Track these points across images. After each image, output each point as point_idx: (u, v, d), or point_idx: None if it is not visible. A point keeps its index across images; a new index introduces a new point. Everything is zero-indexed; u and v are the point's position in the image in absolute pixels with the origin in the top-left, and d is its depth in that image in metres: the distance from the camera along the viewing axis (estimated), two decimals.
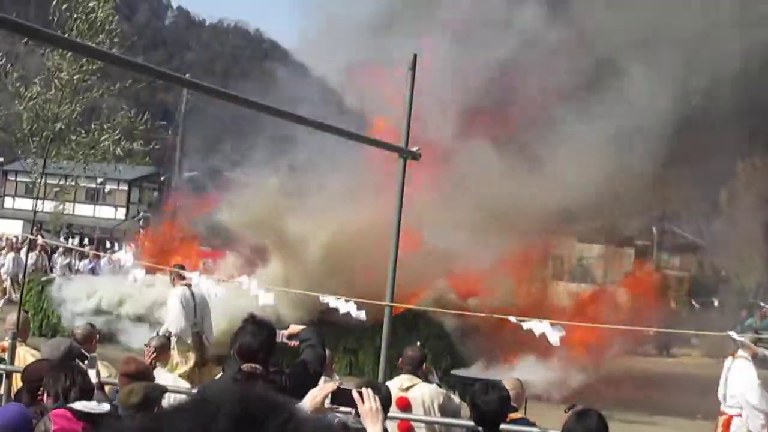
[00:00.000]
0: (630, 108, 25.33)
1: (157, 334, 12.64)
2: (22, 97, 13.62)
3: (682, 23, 25.61)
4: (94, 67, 13.34)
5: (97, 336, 9.95)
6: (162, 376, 9.14)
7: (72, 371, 5.76)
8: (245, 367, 5.70)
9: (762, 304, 37.30)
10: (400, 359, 8.74)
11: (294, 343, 6.47)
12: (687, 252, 55.06)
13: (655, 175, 27.56)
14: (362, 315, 9.39)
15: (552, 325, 8.68)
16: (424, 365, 8.81)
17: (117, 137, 14.49)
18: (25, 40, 11.46)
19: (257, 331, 5.86)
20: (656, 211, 51.55)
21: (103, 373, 8.19)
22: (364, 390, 4.59)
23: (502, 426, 6.47)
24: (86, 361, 7.66)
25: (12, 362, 9.71)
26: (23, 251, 28.54)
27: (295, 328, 6.64)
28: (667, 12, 26.10)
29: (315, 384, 5.63)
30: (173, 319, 15.37)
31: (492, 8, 26.17)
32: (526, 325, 8.50)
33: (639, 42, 26.18)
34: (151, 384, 6.56)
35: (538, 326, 8.25)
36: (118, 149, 14.64)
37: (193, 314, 15.44)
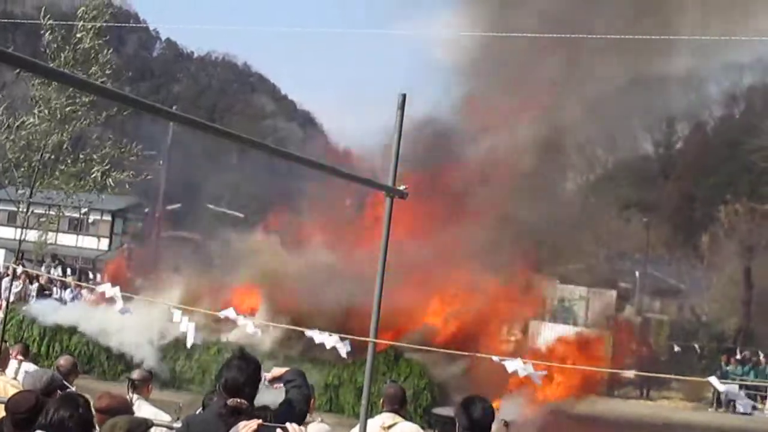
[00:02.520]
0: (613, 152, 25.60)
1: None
2: (9, 127, 13.60)
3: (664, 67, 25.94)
4: (86, 99, 13.36)
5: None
6: (143, 409, 9.11)
7: (73, 401, 5.72)
8: (231, 401, 5.70)
9: (738, 350, 37.39)
10: (381, 399, 8.72)
11: (278, 385, 6.39)
12: (668, 296, 55.22)
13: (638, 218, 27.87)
14: (346, 349, 9.42)
15: (534, 366, 8.71)
16: (404, 401, 8.78)
17: (106, 167, 14.45)
18: (18, 70, 11.47)
19: (244, 366, 5.84)
20: (639, 254, 51.90)
21: None
22: (289, 425, 4.66)
23: None
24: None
25: None
26: (5, 280, 28.47)
27: (278, 371, 6.54)
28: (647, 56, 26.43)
29: (300, 423, 5.62)
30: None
31: None
32: (509, 366, 8.51)
33: (622, 83, 26.46)
34: (136, 418, 6.52)
35: (521, 367, 8.27)
36: (109, 180, 14.60)
37: None
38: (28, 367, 14.26)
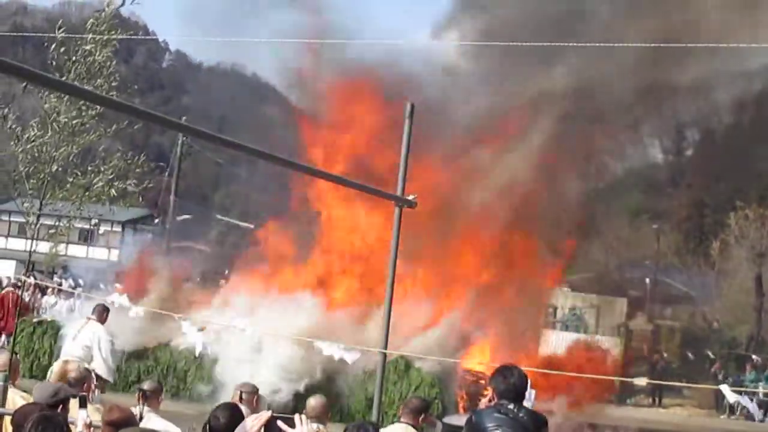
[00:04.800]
0: (623, 159, 25.55)
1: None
2: (19, 139, 13.64)
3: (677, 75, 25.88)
4: (93, 113, 13.39)
5: (94, 380, 9.93)
6: (153, 421, 9.11)
7: (46, 421, 5.68)
8: None
9: (754, 357, 37.25)
10: (401, 407, 8.69)
11: None
12: (679, 303, 55.08)
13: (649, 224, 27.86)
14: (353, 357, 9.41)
15: (540, 377, 8.72)
16: (422, 415, 8.74)
17: (111, 177, 14.49)
18: (25, 84, 11.50)
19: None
20: (649, 262, 51.82)
21: (95, 418, 8.14)
22: (296, 417, 4.64)
23: None
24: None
25: (3, 404, 9.65)
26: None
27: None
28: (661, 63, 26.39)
29: None
30: (106, 359, 15.06)
31: None
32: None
33: (635, 93, 26.42)
34: (146, 430, 6.53)
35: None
36: (113, 190, 14.63)
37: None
38: None
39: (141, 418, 9.17)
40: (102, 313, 15.42)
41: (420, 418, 8.69)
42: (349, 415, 21.15)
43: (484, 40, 26.53)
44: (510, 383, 6.65)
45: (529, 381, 7.10)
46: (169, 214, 55.38)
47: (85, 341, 14.79)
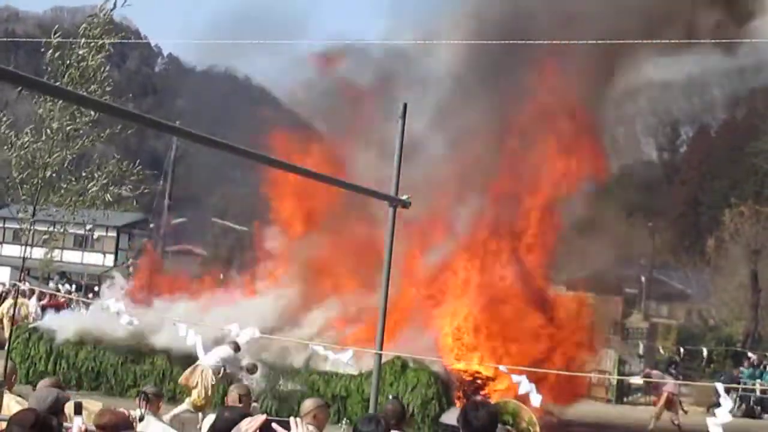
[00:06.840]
0: (618, 156, 25.53)
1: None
2: (12, 145, 13.59)
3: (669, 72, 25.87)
4: (87, 119, 13.35)
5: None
6: (152, 425, 9.11)
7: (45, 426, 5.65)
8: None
9: (750, 354, 37.28)
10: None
11: None
12: (675, 300, 55.17)
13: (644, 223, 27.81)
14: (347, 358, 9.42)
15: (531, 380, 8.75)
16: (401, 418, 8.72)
17: (104, 182, 14.45)
18: (20, 89, 11.48)
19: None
20: (645, 259, 51.87)
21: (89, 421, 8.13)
22: (292, 420, 4.64)
23: None
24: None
25: None
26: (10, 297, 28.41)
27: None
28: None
29: None
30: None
31: None
32: (514, 378, 8.51)
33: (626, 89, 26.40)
34: None
35: (524, 384, 8.28)
36: (107, 195, 14.60)
37: None
38: None
39: (142, 420, 9.24)
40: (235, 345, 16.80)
41: (400, 422, 8.66)
42: (347, 416, 21.16)
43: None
44: (474, 429, 6.42)
45: (526, 377, 7.01)
46: (164, 218, 55.39)
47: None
